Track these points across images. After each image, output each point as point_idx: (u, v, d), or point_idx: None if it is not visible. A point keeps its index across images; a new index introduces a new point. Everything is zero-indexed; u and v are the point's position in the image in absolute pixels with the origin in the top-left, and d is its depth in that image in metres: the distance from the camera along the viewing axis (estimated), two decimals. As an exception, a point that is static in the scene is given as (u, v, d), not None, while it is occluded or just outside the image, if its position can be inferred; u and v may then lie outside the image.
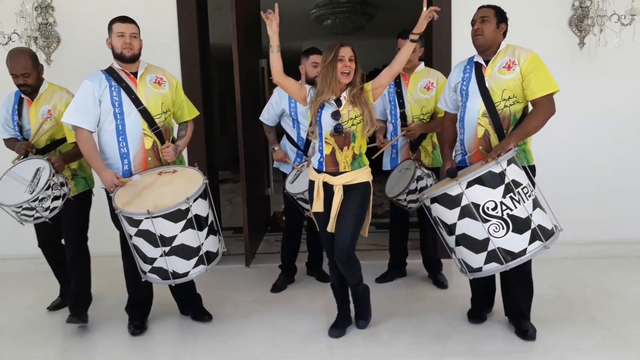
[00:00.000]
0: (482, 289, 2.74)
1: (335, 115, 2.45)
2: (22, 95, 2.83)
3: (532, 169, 2.54)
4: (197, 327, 2.81)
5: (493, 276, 2.67)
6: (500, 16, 2.51)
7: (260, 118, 3.35)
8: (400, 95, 3.16)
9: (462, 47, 3.58)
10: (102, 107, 2.56)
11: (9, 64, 2.74)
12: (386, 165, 3.30)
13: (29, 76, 2.73)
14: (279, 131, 3.39)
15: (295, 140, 3.25)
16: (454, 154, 2.71)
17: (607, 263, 3.62)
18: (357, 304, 2.70)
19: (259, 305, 3.09)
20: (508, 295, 2.65)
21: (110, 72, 2.61)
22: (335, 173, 2.50)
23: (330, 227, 2.52)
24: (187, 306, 2.91)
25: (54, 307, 3.14)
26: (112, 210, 2.55)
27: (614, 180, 3.76)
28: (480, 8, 2.54)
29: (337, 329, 2.65)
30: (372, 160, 2.72)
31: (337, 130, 2.44)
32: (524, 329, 2.55)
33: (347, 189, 2.50)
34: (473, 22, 2.53)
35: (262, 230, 4.64)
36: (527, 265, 2.50)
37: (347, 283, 2.67)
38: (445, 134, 2.78)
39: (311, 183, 2.58)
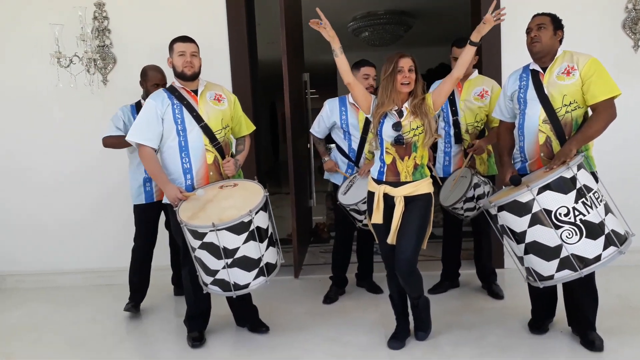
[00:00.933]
0: (543, 299, 2.67)
1: (397, 126, 2.45)
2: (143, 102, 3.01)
3: (594, 175, 2.48)
4: (255, 338, 2.83)
5: (555, 286, 2.61)
6: (557, 23, 2.49)
7: (310, 130, 3.39)
8: (453, 103, 3.14)
9: (511, 55, 3.56)
10: (164, 124, 2.64)
11: (150, 75, 3.12)
12: (439, 172, 3.28)
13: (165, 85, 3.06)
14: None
15: (347, 151, 3.26)
16: (512, 161, 2.68)
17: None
18: (417, 317, 2.68)
19: (313, 316, 3.10)
20: (573, 305, 2.58)
21: (171, 91, 2.69)
22: (396, 183, 2.49)
23: (391, 239, 2.51)
24: (244, 318, 2.94)
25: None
26: (175, 224, 2.62)
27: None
28: (535, 16, 2.53)
29: (397, 340, 2.63)
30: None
31: (398, 142, 2.44)
32: (590, 340, 2.48)
33: (408, 200, 2.49)
34: (529, 30, 2.51)
35: (307, 242, 4.66)
36: (592, 273, 2.42)
37: (405, 295, 2.65)
38: (502, 143, 2.74)
39: (371, 194, 2.58)
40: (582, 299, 2.51)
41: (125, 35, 3.77)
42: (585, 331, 2.52)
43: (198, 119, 2.65)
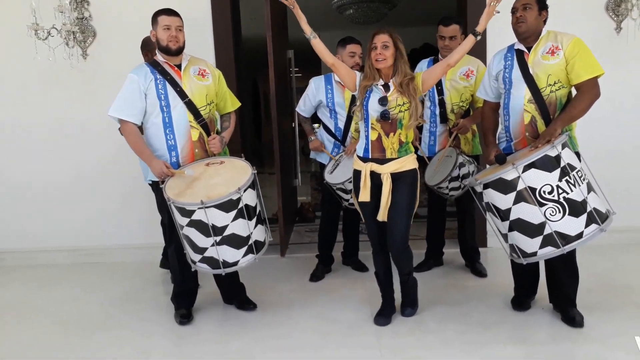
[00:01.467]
0: (525, 277, 2.73)
1: (383, 100, 2.45)
2: None
3: (577, 155, 2.52)
4: (243, 315, 2.84)
5: (537, 264, 2.66)
6: (542, 3, 2.50)
7: (296, 109, 3.36)
8: (439, 82, 3.12)
9: (497, 36, 3.55)
10: (147, 100, 2.58)
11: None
12: (424, 151, 3.29)
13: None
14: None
15: (333, 130, 3.25)
16: (497, 141, 2.70)
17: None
18: (405, 294, 2.72)
19: (300, 294, 3.12)
20: (554, 283, 2.64)
21: (154, 65, 2.62)
22: (382, 160, 2.50)
23: (382, 216, 2.52)
24: (232, 295, 2.94)
25: None
26: (161, 201, 2.58)
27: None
28: None
29: (383, 317, 2.66)
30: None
31: (384, 117, 2.44)
32: (571, 316, 2.55)
33: (394, 177, 2.50)
34: (515, 10, 2.51)
35: (292, 221, 4.67)
36: (573, 251, 2.48)
37: (390, 272, 2.68)
38: (486, 123, 2.77)
39: (357, 172, 2.57)
40: (564, 276, 2.57)
41: (104, 7, 3.64)
42: (566, 308, 2.58)
43: (182, 94, 2.60)
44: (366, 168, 2.51)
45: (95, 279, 3.54)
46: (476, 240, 3.38)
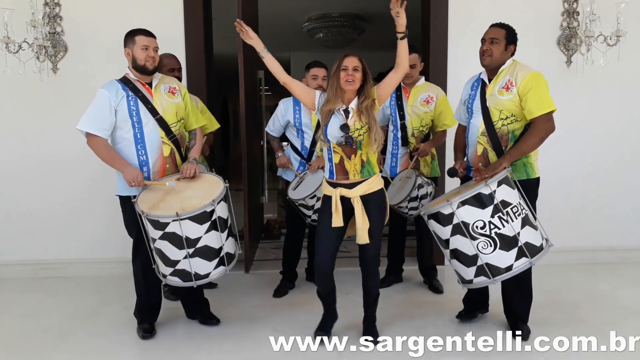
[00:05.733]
0: (475, 295, 2.88)
1: (344, 128, 2.46)
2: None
3: (537, 181, 2.63)
4: (206, 330, 2.87)
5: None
6: (511, 37, 2.57)
7: (266, 129, 3.47)
8: (401, 107, 3.31)
9: (457, 63, 3.77)
10: (117, 116, 2.62)
11: (165, 62, 3.14)
12: (387, 172, 3.43)
13: (180, 70, 3.25)
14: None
15: (300, 149, 3.36)
16: (464, 157, 2.81)
17: (592, 269, 3.83)
18: (370, 317, 2.72)
19: (263, 309, 3.17)
20: (507, 301, 2.78)
21: (125, 82, 2.67)
22: (349, 185, 2.53)
23: (362, 239, 2.51)
24: (195, 310, 2.97)
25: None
26: (129, 216, 2.62)
27: (599, 192, 3.98)
28: (492, 26, 2.61)
29: (324, 330, 2.69)
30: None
31: (348, 143, 2.46)
32: (519, 330, 2.67)
33: (364, 199, 2.52)
34: (483, 41, 2.59)
35: (258, 238, 4.73)
36: (527, 273, 2.60)
37: (335, 294, 2.71)
38: (457, 142, 2.90)
39: (327, 198, 2.58)
40: (514, 295, 2.71)
41: (77, 23, 3.69)
42: (516, 323, 2.72)
43: (153, 111, 2.66)
44: (336, 193, 2.52)
45: (57, 293, 3.51)
46: (434, 259, 3.52)
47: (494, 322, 2.89)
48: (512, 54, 2.61)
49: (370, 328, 2.72)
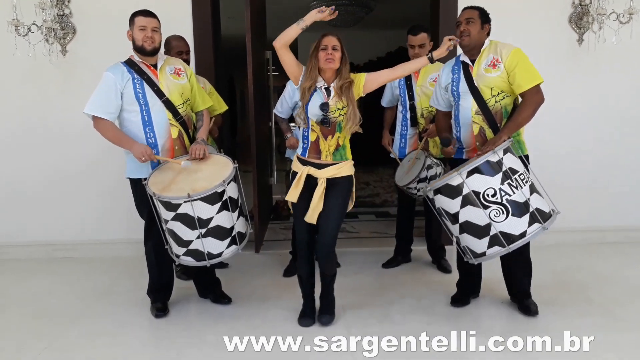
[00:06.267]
0: (469, 278, 2.91)
1: (324, 107, 2.47)
2: None
3: (527, 158, 2.67)
4: (218, 309, 2.93)
5: (479, 266, 2.83)
6: (485, 17, 2.62)
7: (274, 111, 3.48)
8: (410, 88, 3.29)
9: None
10: (123, 98, 2.63)
11: (173, 44, 3.20)
12: (396, 152, 3.46)
13: (188, 53, 3.27)
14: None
15: (308, 130, 3.37)
16: (451, 131, 2.83)
17: (599, 249, 3.84)
18: (325, 298, 2.73)
19: (274, 289, 3.23)
20: (510, 277, 2.82)
21: (130, 65, 2.67)
22: (319, 165, 2.54)
23: (310, 218, 2.53)
24: (207, 290, 3.03)
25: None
26: (140, 198, 2.66)
27: (608, 170, 3.96)
28: (465, 9, 2.65)
29: (307, 318, 2.70)
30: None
31: (324, 123, 2.47)
32: (526, 305, 2.73)
33: (330, 182, 2.53)
34: (459, 23, 2.63)
35: (267, 219, 4.77)
36: (526, 247, 2.65)
37: (314, 275, 2.72)
38: (439, 126, 2.90)
39: (294, 174, 2.59)
40: (517, 270, 2.75)
41: (85, 4, 3.69)
42: (521, 299, 2.77)
43: (159, 93, 2.66)
44: (304, 171, 2.54)
45: (71, 273, 3.58)
46: (442, 239, 3.55)
47: (501, 302, 2.92)
48: (488, 34, 2.65)
49: (324, 304, 2.72)
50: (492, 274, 2.97)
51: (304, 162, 2.58)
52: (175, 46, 3.20)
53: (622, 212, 4.00)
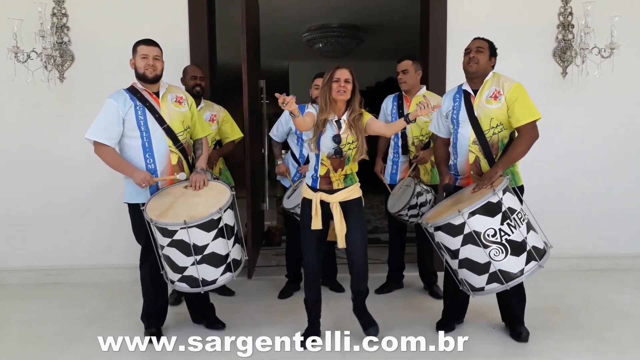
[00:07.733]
0: (455, 304, 2.94)
1: (336, 138, 2.56)
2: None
3: (521, 188, 2.75)
4: (212, 334, 2.90)
5: (466, 295, 2.84)
6: (493, 50, 2.74)
7: (270, 134, 3.56)
8: (401, 116, 3.38)
9: (456, 73, 3.82)
10: (125, 125, 2.68)
11: (189, 70, 3.41)
12: (387, 179, 3.55)
13: (203, 80, 3.41)
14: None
15: (298, 156, 3.46)
16: (448, 170, 2.89)
17: (587, 275, 3.91)
18: (364, 313, 2.82)
19: (268, 314, 3.23)
20: (504, 304, 2.86)
21: (133, 92, 2.73)
22: (331, 191, 2.63)
23: (342, 244, 2.63)
24: (201, 315, 3.02)
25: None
26: (138, 223, 2.68)
27: (594, 199, 4.07)
28: (476, 39, 2.76)
29: (314, 335, 2.75)
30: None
31: (338, 154, 2.55)
32: (518, 332, 2.77)
33: (342, 205, 2.63)
34: (468, 50, 2.72)
35: (260, 244, 4.78)
36: None
37: (320, 301, 2.80)
38: (438, 155, 2.98)
39: (307, 201, 2.67)
40: (511, 298, 2.78)
41: (84, 33, 3.77)
42: (514, 324, 2.81)
43: (160, 120, 2.71)
44: (316, 197, 2.61)
45: (62, 299, 3.55)
46: (434, 265, 3.58)
47: (494, 327, 2.95)
48: (493, 67, 2.74)
49: (366, 319, 2.81)
50: (482, 299, 2.99)
51: (314, 190, 2.65)
52: (190, 71, 3.39)
53: (607, 240, 4.09)
